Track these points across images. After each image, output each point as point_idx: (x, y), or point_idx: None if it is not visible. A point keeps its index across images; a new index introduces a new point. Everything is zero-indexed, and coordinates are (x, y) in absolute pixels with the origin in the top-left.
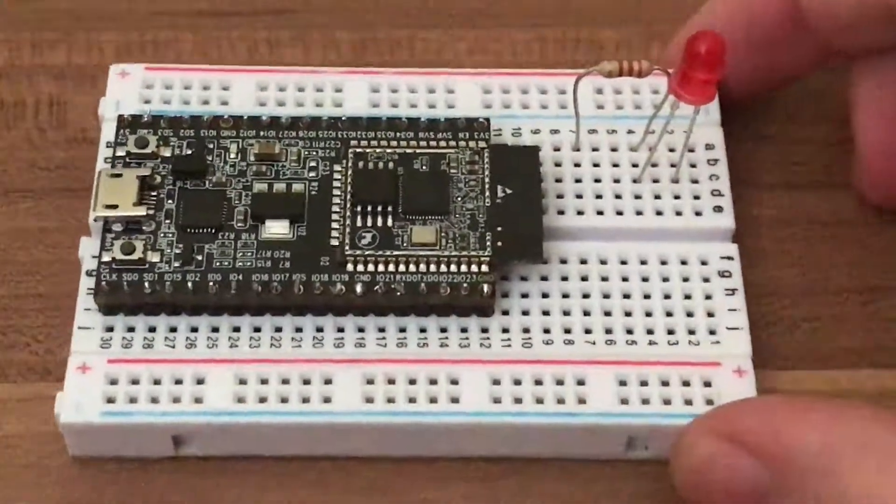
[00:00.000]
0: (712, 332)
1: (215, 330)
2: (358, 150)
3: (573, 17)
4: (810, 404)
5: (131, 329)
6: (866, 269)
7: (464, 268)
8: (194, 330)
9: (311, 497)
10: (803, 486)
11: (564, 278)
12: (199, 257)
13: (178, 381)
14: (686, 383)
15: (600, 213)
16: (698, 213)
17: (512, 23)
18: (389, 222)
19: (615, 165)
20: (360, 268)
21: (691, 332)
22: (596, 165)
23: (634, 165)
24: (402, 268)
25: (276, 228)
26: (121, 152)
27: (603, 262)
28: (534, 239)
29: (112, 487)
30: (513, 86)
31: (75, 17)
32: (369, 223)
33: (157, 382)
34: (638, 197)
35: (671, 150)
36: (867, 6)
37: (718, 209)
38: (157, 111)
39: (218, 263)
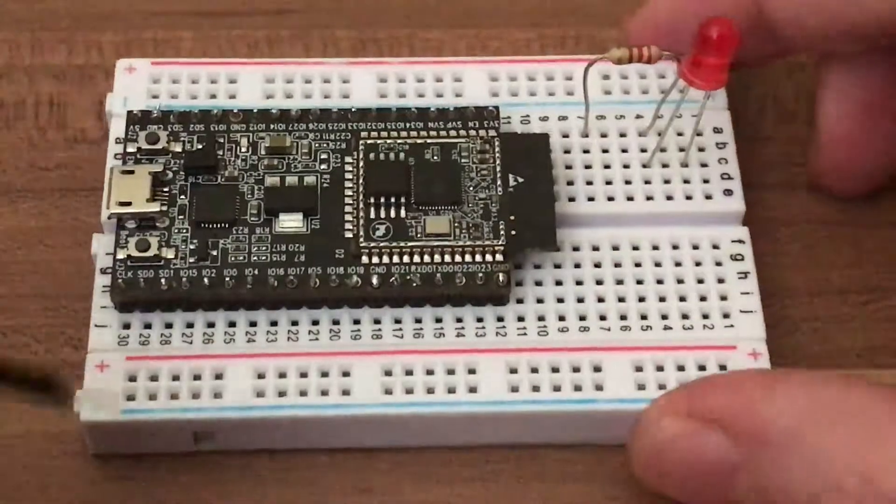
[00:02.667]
0: (726, 316)
1: (232, 325)
2: (369, 141)
3: (573, 17)
4: (782, 376)
5: (148, 326)
6: (866, 269)
7: (478, 257)
8: (211, 325)
9: (308, 497)
10: (777, 459)
11: (577, 265)
12: (214, 252)
13: (197, 377)
14: (702, 367)
15: (611, 199)
16: (708, 197)
17: (512, 22)
18: (402, 213)
19: (624, 151)
20: (376, 259)
21: (705, 316)
22: (605, 151)
23: (643, 151)
24: (416, 258)
25: (290, 222)
26: (131, 148)
27: (615, 248)
28: (547, 227)
29: (110, 486)
30: (520, 73)
31: (75, 17)
32: (382, 214)
33: (175, 378)
34: (648, 182)
35: (679, 135)
36: (833, 22)
37: (728, 192)
38: (167, 106)
39: (233, 258)
